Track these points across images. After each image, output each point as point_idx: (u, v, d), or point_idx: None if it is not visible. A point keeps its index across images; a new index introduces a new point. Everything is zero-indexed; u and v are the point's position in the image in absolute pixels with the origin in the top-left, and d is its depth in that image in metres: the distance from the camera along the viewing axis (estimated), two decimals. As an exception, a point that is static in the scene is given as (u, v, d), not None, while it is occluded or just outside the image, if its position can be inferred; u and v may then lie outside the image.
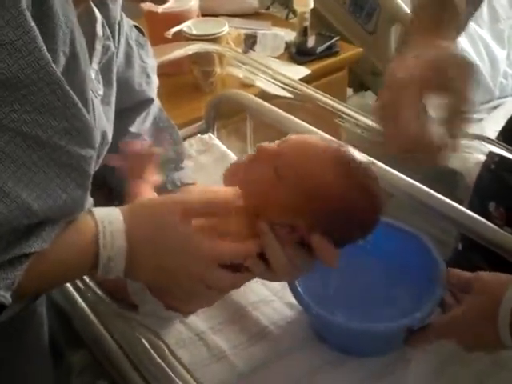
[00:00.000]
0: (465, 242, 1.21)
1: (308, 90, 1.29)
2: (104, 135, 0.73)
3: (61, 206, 0.60)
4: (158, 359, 0.79)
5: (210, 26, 1.84)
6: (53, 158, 0.58)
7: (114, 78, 0.78)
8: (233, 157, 1.33)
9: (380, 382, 0.88)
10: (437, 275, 0.89)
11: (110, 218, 0.67)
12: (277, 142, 0.80)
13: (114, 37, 0.77)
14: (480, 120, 2.09)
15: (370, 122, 1.20)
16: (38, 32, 0.53)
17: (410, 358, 0.90)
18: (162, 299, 0.80)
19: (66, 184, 0.60)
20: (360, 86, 2.55)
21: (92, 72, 0.72)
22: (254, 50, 2.05)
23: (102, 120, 0.73)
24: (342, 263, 0.90)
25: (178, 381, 0.79)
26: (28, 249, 0.59)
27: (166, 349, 0.81)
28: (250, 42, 2.08)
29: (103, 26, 0.73)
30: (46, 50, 0.55)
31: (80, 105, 0.59)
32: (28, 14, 0.52)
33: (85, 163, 0.61)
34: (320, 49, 2.01)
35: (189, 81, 1.80)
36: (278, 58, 2.02)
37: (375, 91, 2.48)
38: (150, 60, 0.94)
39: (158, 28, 1.75)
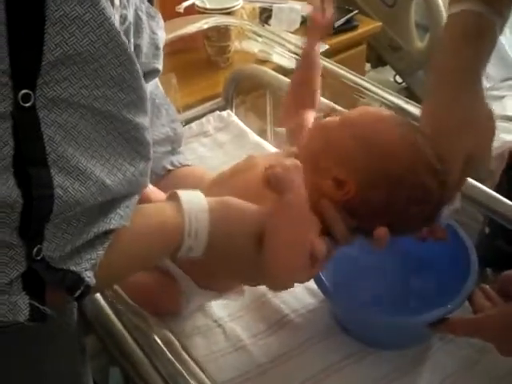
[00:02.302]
0: (492, 226, 1.17)
1: (328, 63, 1.24)
2: None
3: (130, 180, 0.58)
4: (169, 356, 0.75)
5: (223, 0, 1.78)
6: (120, 131, 0.57)
7: (132, 48, 0.75)
8: (251, 134, 1.28)
9: (405, 377, 0.84)
10: (469, 267, 0.84)
11: (197, 214, 0.67)
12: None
13: (129, 6, 0.73)
14: (502, 97, 2.02)
15: (389, 97, 1.17)
16: (105, 3, 0.51)
17: (436, 351, 0.87)
18: (198, 280, 0.83)
19: (132, 157, 0.58)
20: (378, 61, 2.49)
21: None
22: (269, 25, 1.99)
23: None
24: (368, 252, 0.87)
25: (189, 380, 0.75)
26: (106, 226, 0.57)
27: (178, 345, 0.78)
28: (264, 15, 2.02)
29: None
30: (114, 21, 0.53)
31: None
32: None
33: (146, 133, 0.60)
34: (338, 23, 1.95)
35: (202, 56, 1.74)
36: (293, 32, 1.96)
37: (393, 66, 2.42)
38: (160, 31, 0.90)
39: (169, 1, 1.69)
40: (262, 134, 1.32)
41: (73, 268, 0.55)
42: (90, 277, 0.56)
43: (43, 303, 0.54)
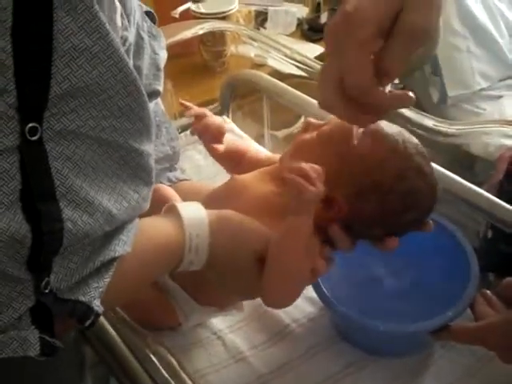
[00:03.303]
0: (495, 229, 1.16)
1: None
2: None
3: (134, 207, 0.58)
4: (164, 373, 0.74)
5: (218, 4, 1.76)
6: (126, 160, 0.56)
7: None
8: (248, 140, 1.27)
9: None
10: (469, 274, 0.84)
11: (198, 231, 0.67)
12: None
13: (130, 27, 0.72)
14: (499, 97, 2.02)
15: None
16: (113, 34, 0.51)
17: (438, 359, 0.86)
18: (197, 296, 0.82)
19: (136, 184, 0.58)
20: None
21: None
22: (264, 28, 1.98)
23: None
24: (368, 259, 0.86)
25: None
26: (112, 254, 0.57)
27: (176, 365, 0.77)
28: (260, 19, 2.01)
29: (121, 15, 0.68)
30: (123, 52, 0.52)
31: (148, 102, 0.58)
32: (103, 16, 0.49)
33: (151, 160, 0.60)
34: (334, 25, 1.94)
35: (198, 61, 1.73)
36: (289, 35, 1.95)
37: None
38: (162, 52, 0.90)
39: (164, 7, 1.68)
40: (259, 139, 1.31)
41: (81, 298, 0.54)
42: (98, 306, 0.56)
43: (52, 336, 0.53)
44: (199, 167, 1.22)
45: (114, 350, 0.76)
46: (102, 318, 0.79)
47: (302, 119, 1.55)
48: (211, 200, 0.78)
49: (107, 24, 0.50)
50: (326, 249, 0.75)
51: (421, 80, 2.30)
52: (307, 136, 0.78)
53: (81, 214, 0.51)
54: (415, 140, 0.76)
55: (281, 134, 1.53)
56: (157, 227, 0.67)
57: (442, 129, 1.03)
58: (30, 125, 0.47)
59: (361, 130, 0.75)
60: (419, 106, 1.91)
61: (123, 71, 0.52)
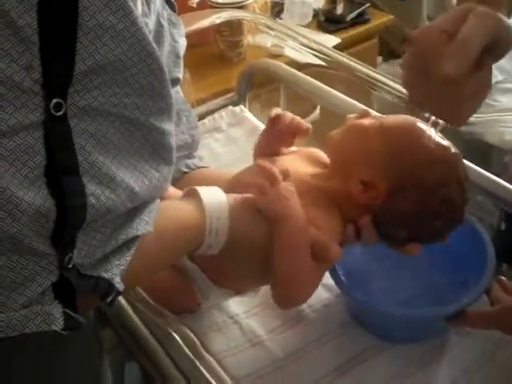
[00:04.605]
0: (508, 222, 1.16)
1: (342, 57, 1.24)
2: None
3: (155, 186, 0.59)
4: (187, 351, 0.75)
5: (235, -6, 1.77)
6: (147, 138, 0.57)
7: None
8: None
9: (421, 371, 0.84)
10: (486, 261, 0.84)
11: (218, 214, 0.68)
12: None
13: (150, 14, 0.73)
14: (516, 90, 2.01)
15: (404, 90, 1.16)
16: (137, 13, 0.52)
17: (454, 345, 0.86)
18: (215, 279, 0.83)
19: (157, 163, 0.59)
20: (390, 55, 2.47)
21: None
22: (280, 18, 1.98)
23: None
24: (383, 247, 0.86)
25: (206, 374, 0.75)
26: (134, 232, 0.58)
27: (197, 341, 0.78)
28: (276, 9, 2.01)
29: (142, 3, 0.69)
30: (146, 30, 0.53)
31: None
32: None
33: (171, 139, 0.61)
34: (350, 16, 1.94)
35: (214, 51, 1.74)
36: (305, 26, 1.95)
37: (405, 60, 2.40)
38: (181, 39, 0.90)
39: (182, -4, 1.69)
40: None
41: (104, 275, 0.55)
42: (119, 283, 0.57)
43: (75, 311, 0.54)
44: (217, 155, 1.23)
45: (134, 330, 0.77)
46: (121, 299, 0.80)
47: (318, 110, 1.55)
48: (237, 183, 0.79)
49: (131, 2, 0.51)
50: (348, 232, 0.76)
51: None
52: (365, 121, 0.79)
53: (103, 190, 0.53)
54: (459, 152, 0.78)
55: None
56: (178, 209, 0.68)
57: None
58: (55, 101, 0.48)
59: (421, 130, 0.77)
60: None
61: (146, 49, 0.53)
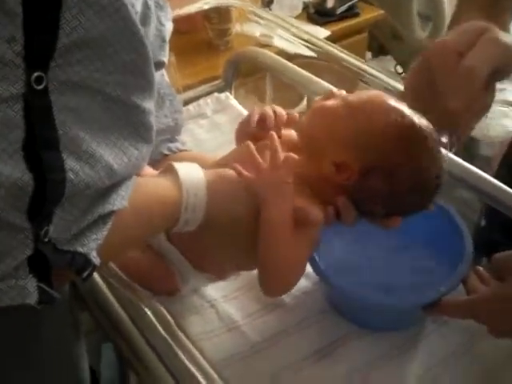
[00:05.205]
0: (489, 218, 1.16)
1: (333, 48, 1.24)
2: None
3: (134, 164, 0.59)
4: (162, 332, 0.75)
5: (224, -18, 1.76)
6: (128, 116, 0.57)
7: None
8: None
9: (398, 358, 0.84)
10: (463, 250, 0.84)
11: (195, 190, 0.68)
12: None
13: None
14: (502, 90, 2.01)
15: (392, 82, 1.16)
16: None
17: (431, 333, 0.87)
18: (194, 262, 0.82)
19: (136, 141, 0.59)
20: (379, 51, 2.47)
21: None
22: (270, 10, 1.97)
23: None
24: (362, 233, 0.86)
25: (181, 355, 0.75)
26: (110, 207, 0.58)
27: (172, 321, 0.77)
28: (266, 0, 2.00)
29: None
30: (131, 8, 0.53)
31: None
32: None
33: (152, 118, 0.61)
34: (340, 9, 1.94)
35: (202, 38, 1.73)
36: (295, 18, 1.95)
37: (395, 56, 2.41)
38: (168, 23, 0.89)
39: (169, -19, 1.68)
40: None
41: (80, 249, 0.55)
42: (95, 257, 0.57)
43: (50, 286, 0.54)
44: (200, 141, 1.23)
45: (109, 310, 0.77)
46: (96, 276, 0.80)
47: (305, 100, 1.55)
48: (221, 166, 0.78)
49: None
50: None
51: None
52: (330, 103, 0.78)
53: (82, 166, 0.52)
54: (429, 123, 0.77)
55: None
56: (154, 185, 0.68)
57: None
58: (36, 74, 0.48)
59: (387, 105, 0.76)
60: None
61: (129, 26, 0.53)
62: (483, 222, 1.21)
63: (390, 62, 2.45)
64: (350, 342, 0.85)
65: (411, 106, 0.75)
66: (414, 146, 0.75)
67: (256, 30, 1.68)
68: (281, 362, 0.83)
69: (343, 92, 0.81)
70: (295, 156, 0.73)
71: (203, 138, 1.24)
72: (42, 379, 0.75)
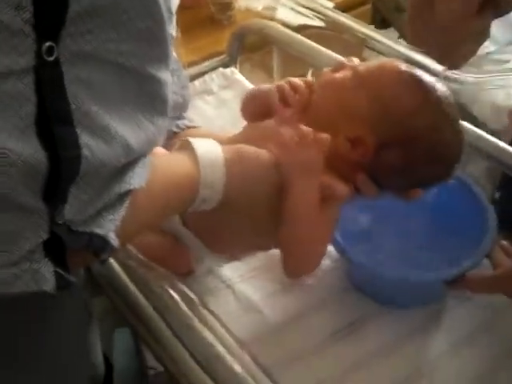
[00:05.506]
0: (503, 191, 1.14)
1: (339, 16, 1.20)
2: None
3: (150, 139, 0.55)
4: (185, 309, 0.72)
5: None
6: (143, 87, 0.53)
7: None
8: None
9: (420, 336, 0.82)
10: (486, 224, 0.82)
11: (213, 166, 0.65)
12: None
13: None
14: (506, 62, 1.98)
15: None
16: None
17: (453, 310, 0.85)
18: (209, 244, 0.79)
19: (151, 114, 0.55)
20: (382, 23, 2.42)
21: None
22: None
23: None
24: (383, 209, 0.84)
25: (208, 332, 0.72)
26: (127, 186, 0.54)
27: (196, 299, 0.75)
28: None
29: None
30: None
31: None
32: None
33: (167, 89, 0.56)
34: (343, -19, 1.89)
35: (206, 14, 1.69)
36: (297, -10, 1.90)
37: (398, 28, 2.36)
38: None
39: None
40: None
41: (97, 231, 0.52)
42: (114, 238, 0.53)
43: (66, 270, 0.51)
44: (207, 117, 1.19)
45: (127, 293, 0.74)
46: (111, 260, 0.77)
47: (310, 73, 1.51)
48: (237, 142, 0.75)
49: None
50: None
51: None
52: (340, 75, 0.74)
53: (98, 142, 0.49)
54: (449, 92, 0.73)
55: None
56: (171, 162, 0.65)
57: (458, 76, 1.00)
58: (47, 44, 0.44)
59: (401, 72, 0.72)
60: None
61: None
62: (497, 195, 1.20)
63: (393, 34, 2.40)
64: (372, 320, 0.83)
65: (413, 27, 0.71)
66: (433, 116, 0.72)
67: (258, 4, 1.64)
68: (299, 345, 0.80)
69: (354, 61, 0.77)
70: (328, 136, 0.69)
71: (210, 115, 1.21)
72: (55, 367, 0.72)
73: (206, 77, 1.26)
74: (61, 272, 0.50)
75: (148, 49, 0.52)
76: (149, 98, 0.54)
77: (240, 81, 1.27)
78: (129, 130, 0.52)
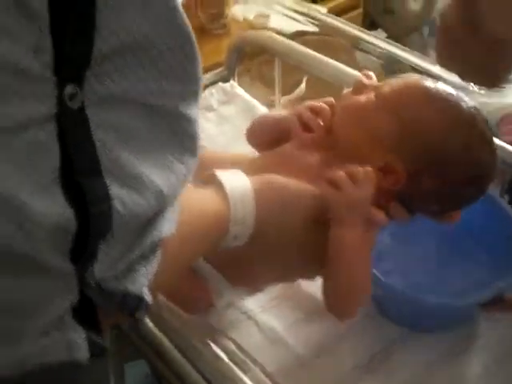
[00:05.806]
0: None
1: (333, 20, 1.18)
2: None
3: (181, 181, 0.50)
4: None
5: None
6: (173, 128, 0.48)
7: None
8: (259, 107, 1.19)
9: (452, 361, 0.79)
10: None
11: (243, 200, 0.61)
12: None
13: None
14: None
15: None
16: None
17: (485, 332, 0.81)
18: (230, 277, 0.74)
19: (181, 154, 0.49)
20: (371, 26, 2.40)
21: None
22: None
23: None
24: (409, 229, 0.80)
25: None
26: (158, 234, 0.49)
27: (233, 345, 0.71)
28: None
29: None
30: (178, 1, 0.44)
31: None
32: None
33: (196, 126, 0.51)
34: (334, -15, 1.87)
35: (195, 24, 1.64)
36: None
37: (386, 29, 2.35)
38: None
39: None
40: (269, 104, 1.24)
41: (131, 287, 0.47)
42: (147, 294, 0.49)
43: (99, 334, 0.46)
44: (209, 136, 1.14)
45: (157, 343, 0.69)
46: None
47: (304, 83, 1.47)
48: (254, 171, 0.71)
49: None
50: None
51: (418, 42, 2.23)
52: (363, 98, 0.70)
53: (130, 192, 0.44)
54: (478, 107, 0.70)
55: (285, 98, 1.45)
56: (198, 200, 0.60)
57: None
58: (70, 88, 0.39)
59: (429, 91, 0.69)
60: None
61: (177, 22, 0.44)
62: (506, 197, 1.18)
63: (381, 35, 2.38)
64: (398, 351, 0.80)
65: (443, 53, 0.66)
66: (467, 136, 0.68)
67: (251, 12, 1.60)
68: (326, 377, 0.77)
69: (373, 80, 0.73)
70: (371, 170, 0.66)
71: (212, 133, 1.16)
72: None
73: (206, 92, 1.21)
74: (93, 338, 0.45)
75: (179, 86, 0.47)
76: (179, 138, 0.50)
77: (240, 95, 1.22)
78: (160, 175, 0.47)
